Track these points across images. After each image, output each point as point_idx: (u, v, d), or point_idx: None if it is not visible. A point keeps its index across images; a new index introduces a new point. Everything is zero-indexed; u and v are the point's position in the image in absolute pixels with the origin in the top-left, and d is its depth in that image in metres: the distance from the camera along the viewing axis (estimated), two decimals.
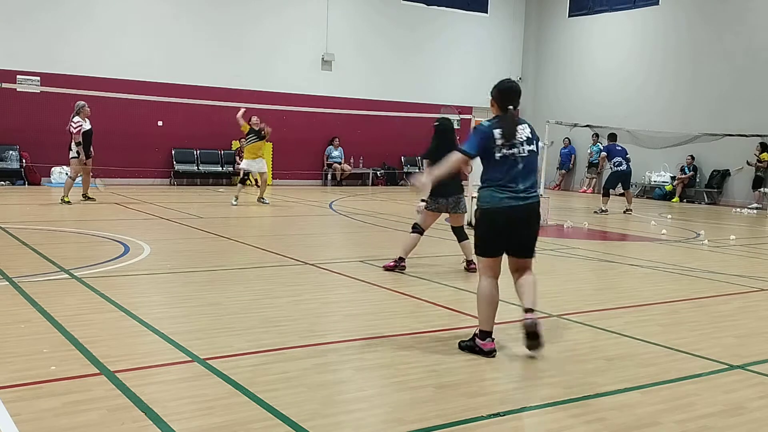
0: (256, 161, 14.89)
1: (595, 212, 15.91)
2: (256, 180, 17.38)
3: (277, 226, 12.95)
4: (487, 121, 5.07)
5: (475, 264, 7.12)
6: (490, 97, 5.12)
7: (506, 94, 5.04)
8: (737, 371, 4.76)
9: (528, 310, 4.95)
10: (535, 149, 5.04)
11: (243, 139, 15.64)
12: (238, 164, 20.74)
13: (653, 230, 13.25)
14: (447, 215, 8.10)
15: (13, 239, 9.13)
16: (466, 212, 8.16)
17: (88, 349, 4.64)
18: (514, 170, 4.93)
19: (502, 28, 25.77)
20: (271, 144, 21.63)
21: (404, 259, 7.90)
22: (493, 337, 4.92)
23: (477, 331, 4.97)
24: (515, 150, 4.94)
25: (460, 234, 8.07)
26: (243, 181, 15.46)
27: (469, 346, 4.98)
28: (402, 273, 7.75)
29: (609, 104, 23.11)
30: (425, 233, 8.00)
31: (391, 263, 7.92)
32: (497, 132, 4.94)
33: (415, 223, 7.96)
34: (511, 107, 5.01)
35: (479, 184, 5.05)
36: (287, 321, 5.64)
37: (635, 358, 4.95)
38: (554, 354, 5.04)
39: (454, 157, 5.05)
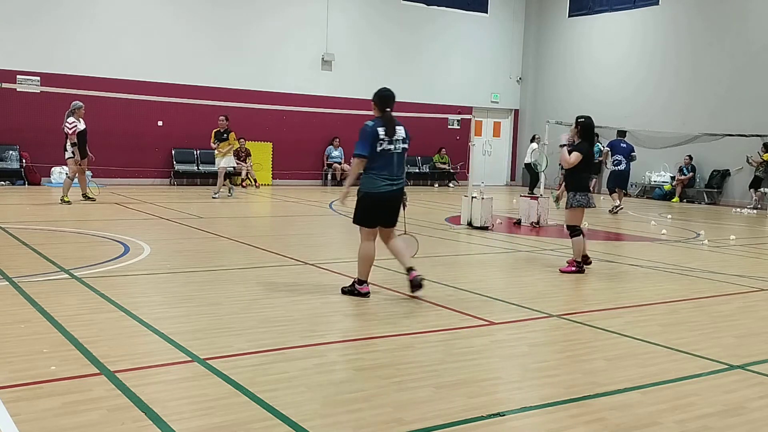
0: (221, 159, 16.37)
1: (610, 211, 15.89)
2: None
3: (277, 226, 12.96)
4: (371, 121, 6.30)
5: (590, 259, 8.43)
6: (372, 102, 6.44)
7: (385, 99, 6.39)
8: (737, 371, 4.76)
9: (410, 269, 6.43)
10: (407, 147, 6.39)
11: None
12: (238, 164, 20.80)
13: (653, 230, 13.25)
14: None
15: (13, 239, 9.13)
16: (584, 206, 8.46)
17: (88, 349, 4.63)
18: (390, 162, 6.26)
19: (502, 28, 25.78)
20: (271, 144, 21.68)
21: (579, 262, 8.29)
22: (367, 282, 6.44)
23: (356, 280, 6.45)
24: (392, 146, 6.26)
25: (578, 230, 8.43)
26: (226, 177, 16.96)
27: (350, 291, 6.48)
28: (403, 273, 7.74)
29: (609, 104, 23.11)
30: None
31: (571, 267, 8.25)
32: (381, 130, 6.23)
33: (572, 226, 8.32)
34: (388, 109, 6.34)
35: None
36: (287, 321, 5.64)
37: (635, 358, 4.95)
38: (554, 354, 5.05)
39: (355, 162, 6.31)
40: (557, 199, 9.68)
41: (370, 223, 6.40)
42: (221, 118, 16.17)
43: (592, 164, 8.69)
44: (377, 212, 6.37)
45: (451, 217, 13.67)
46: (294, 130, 21.74)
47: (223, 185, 16.74)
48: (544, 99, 25.43)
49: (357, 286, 6.48)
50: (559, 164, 8.91)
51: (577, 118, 8.65)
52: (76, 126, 13.77)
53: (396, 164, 6.31)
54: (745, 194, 19.78)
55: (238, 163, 20.84)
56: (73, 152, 13.80)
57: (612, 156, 16.39)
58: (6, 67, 17.78)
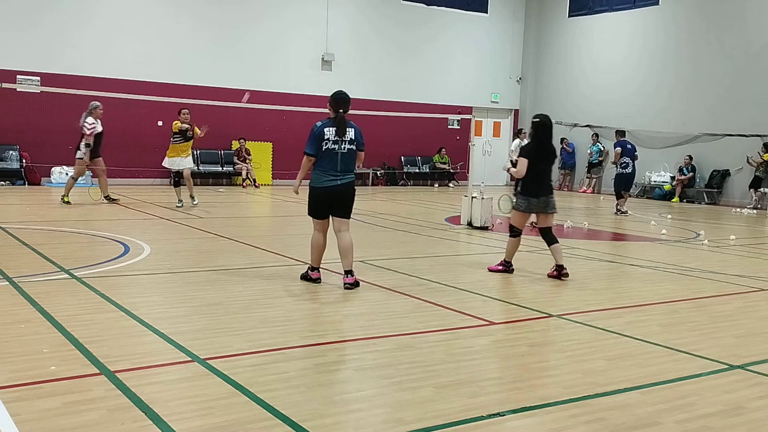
0: (183, 159, 13.93)
1: (615, 213, 15.86)
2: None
3: (277, 226, 12.96)
4: (320, 122, 6.89)
5: (566, 270, 7.81)
6: (328, 103, 6.98)
7: (338, 101, 6.91)
8: (737, 371, 4.76)
9: (348, 272, 6.89)
10: (354, 148, 6.88)
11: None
12: (238, 164, 20.80)
13: (653, 230, 13.25)
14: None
15: (13, 239, 9.13)
16: (555, 212, 8.30)
17: (88, 349, 4.64)
18: (334, 160, 6.78)
19: (502, 28, 25.77)
20: (271, 144, 21.67)
21: (510, 262, 8.09)
22: (319, 270, 7.08)
23: (310, 266, 7.11)
24: (336, 146, 6.78)
25: (549, 236, 8.06)
26: (177, 183, 14.19)
27: (304, 276, 7.13)
28: (402, 273, 7.76)
29: (609, 104, 23.12)
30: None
31: (499, 266, 8.10)
32: (327, 130, 6.80)
33: (511, 226, 8.17)
34: (341, 111, 6.84)
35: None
36: (287, 321, 5.65)
37: (635, 358, 4.95)
38: (554, 354, 5.05)
39: (303, 160, 6.87)
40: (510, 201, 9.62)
41: (317, 214, 6.98)
42: (185, 111, 13.70)
43: (547, 160, 8.13)
44: (323, 205, 6.91)
45: (451, 217, 13.67)
46: (294, 130, 21.68)
47: (184, 189, 14.24)
48: (544, 99, 25.42)
49: (309, 272, 7.12)
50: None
51: (533, 117, 8.30)
52: (95, 127, 13.47)
53: (341, 162, 6.81)
54: (745, 194, 19.78)
55: (238, 163, 20.88)
56: (84, 153, 13.47)
57: (621, 157, 16.31)
58: (6, 67, 17.77)
